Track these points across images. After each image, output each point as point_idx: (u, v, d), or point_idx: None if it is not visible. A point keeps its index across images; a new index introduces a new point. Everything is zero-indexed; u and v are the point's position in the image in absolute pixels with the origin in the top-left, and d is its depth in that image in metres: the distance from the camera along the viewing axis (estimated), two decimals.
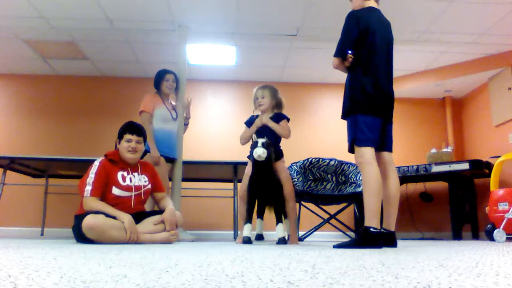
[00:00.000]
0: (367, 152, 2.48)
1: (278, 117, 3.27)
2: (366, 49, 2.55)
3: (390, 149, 2.69)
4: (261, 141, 2.93)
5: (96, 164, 2.80)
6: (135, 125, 2.98)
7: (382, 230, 2.62)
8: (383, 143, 2.63)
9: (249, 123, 3.34)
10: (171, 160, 3.82)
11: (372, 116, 2.51)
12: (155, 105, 3.73)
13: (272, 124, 3.19)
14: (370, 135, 2.50)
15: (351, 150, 2.60)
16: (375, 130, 2.52)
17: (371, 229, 2.39)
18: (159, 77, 3.86)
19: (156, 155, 3.52)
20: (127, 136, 2.89)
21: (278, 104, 3.31)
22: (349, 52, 2.56)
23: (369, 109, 2.50)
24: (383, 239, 2.46)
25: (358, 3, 2.68)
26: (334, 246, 2.41)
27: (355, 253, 1.74)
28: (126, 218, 2.61)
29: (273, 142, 3.11)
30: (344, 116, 2.65)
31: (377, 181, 2.44)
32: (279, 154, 3.26)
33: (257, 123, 3.21)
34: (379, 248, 2.28)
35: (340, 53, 2.58)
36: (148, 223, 2.77)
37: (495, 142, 5.19)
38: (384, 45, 2.66)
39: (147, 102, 3.72)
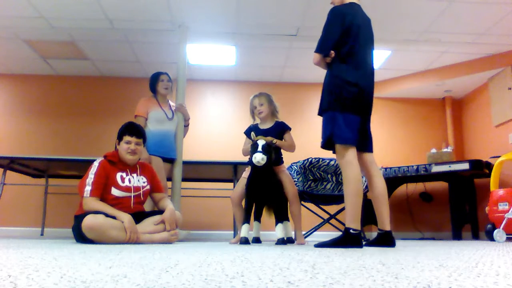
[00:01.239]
0: (348, 152, 2.46)
1: (281, 128, 3.23)
2: (349, 46, 2.51)
3: (370, 150, 2.65)
4: (261, 143, 2.88)
5: (96, 164, 2.80)
6: (135, 126, 2.97)
7: (378, 231, 2.62)
8: (363, 144, 2.58)
9: (248, 133, 3.29)
10: (168, 160, 3.82)
11: (351, 114, 2.47)
12: (149, 108, 3.74)
13: (278, 142, 3.12)
14: (349, 133, 2.46)
15: (325, 146, 2.57)
16: (354, 129, 2.48)
17: (351, 231, 2.40)
18: (154, 80, 3.87)
19: (145, 157, 3.51)
20: (127, 138, 2.88)
21: (274, 110, 3.27)
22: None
23: (349, 107, 2.47)
24: (362, 239, 2.49)
25: None
26: (315, 245, 2.44)
27: (355, 253, 1.74)
28: (126, 218, 2.61)
29: (274, 146, 3.07)
30: (321, 113, 2.60)
31: (357, 181, 2.43)
32: (279, 161, 3.24)
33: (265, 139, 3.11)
34: (359, 248, 2.30)
35: (322, 49, 2.54)
36: (148, 223, 2.77)
37: (495, 142, 5.19)
38: (367, 42, 2.63)
39: (140, 106, 3.75)
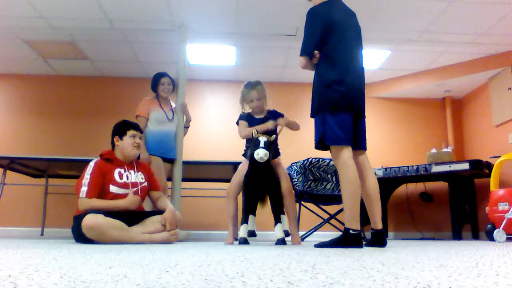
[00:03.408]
0: (343, 152, 2.44)
1: (275, 116, 3.23)
2: (332, 45, 2.50)
3: (364, 147, 2.63)
4: (263, 140, 2.88)
5: (91, 164, 2.81)
6: (133, 122, 3.10)
7: (371, 230, 2.63)
8: (356, 142, 2.56)
9: (246, 117, 3.26)
10: (168, 160, 3.82)
11: (342, 114, 2.46)
12: (151, 109, 3.76)
13: (284, 122, 3.14)
14: (341, 134, 2.44)
15: (318, 147, 2.55)
16: (346, 128, 2.46)
17: (351, 231, 2.40)
18: (155, 82, 3.89)
19: (145, 156, 3.52)
20: (132, 132, 2.97)
21: (266, 99, 3.29)
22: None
23: (338, 107, 2.45)
24: (362, 239, 2.49)
25: None
26: (315, 245, 2.45)
27: (355, 253, 1.74)
28: (124, 199, 2.70)
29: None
30: (312, 115, 2.59)
31: (354, 182, 2.42)
32: (276, 153, 3.24)
33: (268, 127, 3.11)
34: (359, 248, 2.30)
35: (306, 51, 2.53)
36: (148, 223, 2.78)
37: (495, 142, 5.19)
38: (352, 38, 2.60)
39: (141, 106, 3.77)
